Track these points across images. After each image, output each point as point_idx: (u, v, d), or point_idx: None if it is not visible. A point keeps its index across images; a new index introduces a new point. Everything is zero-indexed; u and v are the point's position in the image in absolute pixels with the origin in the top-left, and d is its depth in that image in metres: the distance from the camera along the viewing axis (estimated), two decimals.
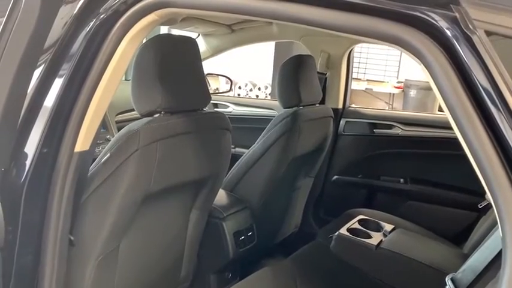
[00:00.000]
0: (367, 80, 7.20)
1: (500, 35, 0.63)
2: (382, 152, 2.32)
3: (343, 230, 1.53)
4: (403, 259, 1.42)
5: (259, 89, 8.28)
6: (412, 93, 8.09)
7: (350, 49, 2.27)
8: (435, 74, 0.70)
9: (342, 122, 2.38)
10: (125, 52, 1.09)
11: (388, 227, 1.58)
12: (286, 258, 1.71)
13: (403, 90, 8.24)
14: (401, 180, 2.29)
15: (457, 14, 0.67)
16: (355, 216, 2.09)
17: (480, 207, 1.90)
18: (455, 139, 2.31)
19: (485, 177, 0.65)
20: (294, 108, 1.94)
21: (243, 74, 7.69)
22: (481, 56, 0.63)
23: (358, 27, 0.79)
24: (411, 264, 1.40)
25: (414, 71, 8.27)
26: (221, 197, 1.86)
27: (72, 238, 1.19)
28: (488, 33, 0.63)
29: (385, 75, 8.18)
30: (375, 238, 1.50)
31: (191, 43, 1.41)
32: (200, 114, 1.45)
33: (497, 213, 0.64)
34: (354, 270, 1.53)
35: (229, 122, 1.54)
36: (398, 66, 8.53)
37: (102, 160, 1.22)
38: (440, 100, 0.72)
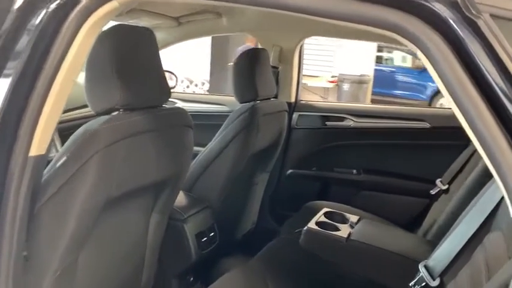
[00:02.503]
0: (303, 75, 7.34)
1: (506, 19, 0.62)
2: (335, 144, 2.34)
3: (311, 224, 1.51)
4: (374, 249, 1.43)
5: (196, 85, 8.16)
6: (346, 86, 8.40)
7: (301, 42, 2.27)
8: (435, 60, 0.69)
9: (295, 115, 2.37)
10: (82, 45, 0.98)
11: (353, 218, 1.59)
12: (253, 258, 1.67)
13: (337, 84, 8.52)
14: (354, 171, 2.33)
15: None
16: (315, 209, 2.09)
17: (432, 193, 1.98)
18: (406, 129, 2.40)
19: (495, 164, 0.64)
20: (251, 103, 1.90)
21: (177, 71, 7.50)
22: (488, 41, 0.62)
23: (349, 14, 0.76)
24: (382, 254, 1.41)
25: (347, 65, 8.57)
26: (180, 197, 1.77)
27: (25, 254, 1.06)
28: (494, 17, 0.62)
29: (319, 70, 8.41)
30: (343, 230, 1.49)
31: (149, 34, 1.31)
32: (161, 110, 1.36)
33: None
34: (325, 264, 1.52)
35: (191, 118, 1.46)
36: (332, 61, 8.80)
37: (58, 164, 1.10)
38: (440, 87, 0.70)
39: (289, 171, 2.44)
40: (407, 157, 2.19)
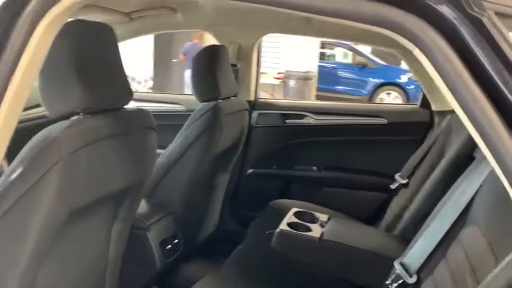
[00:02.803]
0: None
1: (510, 17, 0.62)
2: (296, 142, 2.33)
3: (283, 226, 1.48)
4: (347, 248, 1.42)
5: (138, 82, 7.90)
6: (292, 83, 8.50)
7: (260, 39, 2.23)
8: (436, 59, 0.67)
9: (254, 114, 2.33)
10: (41, 42, 0.88)
11: (322, 217, 1.58)
12: (224, 263, 1.61)
13: (283, 81, 8.60)
14: (315, 168, 2.33)
15: None
16: (279, 209, 2.07)
17: (392, 188, 2.02)
18: (365, 125, 2.43)
19: (500, 162, 0.63)
20: (213, 102, 1.83)
21: None
22: (493, 38, 0.61)
23: (348, 11, 0.72)
24: (356, 253, 1.41)
25: (292, 62, 8.68)
26: (141, 204, 1.67)
27: None
28: (499, 15, 0.61)
29: (265, 66, 8.43)
30: (315, 230, 1.47)
31: (109, 30, 1.21)
32: (123, 113, 1.26)
33: None
34: (297, 266, 1.50)
35: (154, 119, 1.38)
36: (279, 58, 8.87)
37: (13, 176, 0.98)
38: (441, 85, 0.69)
39: (250, 170, 2.39)
40: (367, 153, 2.22)
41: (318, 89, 9.18)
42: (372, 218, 2.20)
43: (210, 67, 1.82)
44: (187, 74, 7.41)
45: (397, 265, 1.27)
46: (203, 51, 1.86)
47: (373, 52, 10.41)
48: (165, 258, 1.65)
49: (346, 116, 2.24)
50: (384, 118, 2.18)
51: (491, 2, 0.62)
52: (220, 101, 1.87)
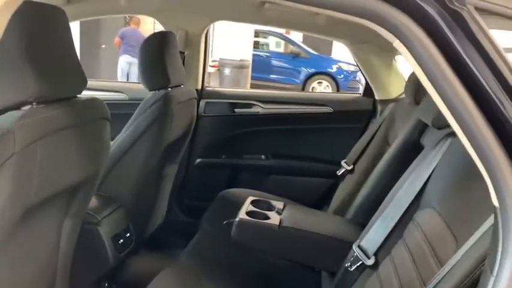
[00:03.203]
0: None
1: (489, 12, 0.66)
2: (244, 131, 2.33)
3: (242, 215, 1.48)
4: (307, 234, 1.45)
5: None
6: (227, 71, 8.45)
7: (208, 27, 2.18)
8: (417, 51, 0.70)
9: (202, 103, 2.29)
10: None
11: (279, 204, 1.60)
12: (181, 255, 1.58)
13: (218, 69, 8.53)
14: (263, 156, 2.35)
15: None
16: (230, 198, 2.07)
17: (338, 174, 2.09)
18: (311, 114, 2.48)
19: (476, 145, 0.67)
20: (164, 91, 1.77)
21: None
22: (473, 32, 0.65)
23: (332, 2, 0.73)
24: (314, 238, 1.45)
25: (226, 50, 8.62)
26: None
27: None
28: (479, 10, 0.65)
29: None
30: (274, 218, 1.49)
31: (60, 13, 1.12)
32: (77, 102, 1.18)
33: (494, 187, 0.67)
34: (257, 254, 1.51)
35: (108, 110, 1.31)
36: (212, 46, 8.75)
37: None
38: (421, 77, 0.72)
39: (198, 160, 2.36)
40: (313, 141, 2.28)
41: (252, 78, 9.22)
42: (319, 203, 2.27)
43: (159, 54, 1.76)
44: (124, 60, 7.10)
45: (355, 248, 1.33)
46: (152, 38, 1.79)
47: (305, 42, 10.66)
48: (118, 253, 1.59)
49: (293, 105, 2.28)
50: (329, 107, 2.24)
51: None
52: (169, 89, 1.82)
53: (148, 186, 1.92)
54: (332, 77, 9.57)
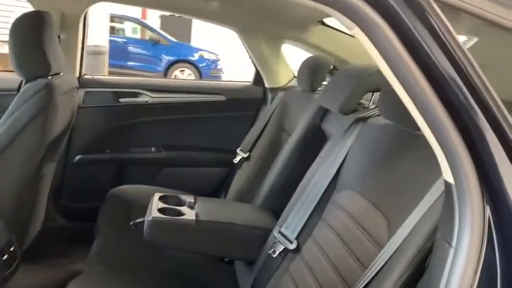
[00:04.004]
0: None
1: (445, 4, 0.70)
2: (131, 122, 2.16)
3: (155, 213, 1.37)
4: (225, 226, 1.41)
5: None
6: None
7: (87, 9, 1.94)
8: (375, 37, 0.72)
9: (81, 92, 2.05)
10: None
11: (189, 199, 1.52)
12: (85, 264, 1.40)
13: None
14: (153, 149, 2.23)
15: None
16: (122, 196, 1.92)
17: (235, 162, 2.10)
18: (203, 103, 2.44)
19: (434, 129, 0.72)
20: (44, 80, 1.53)
21: None
22: (430, 21, 0.69)
23: None
24: (234, 229, 1.41)
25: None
26: None
27: None
28: (435, 1, 0.69)
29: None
30: (188, 213, 1.42)
31: None
32: None
33: (450, 166, 0.72)
34: (171, 252, 1.42)
35: None
36: None
37: None
38: (381, 65, 0.74)
39: (78, 157, 2.12)
40: (207, 130, 2.23)
41: (109, 65, 8.65)
42: (215, 192, 2.25)
43: (36, 38, 1.51)
44: None
45: (276, 234, 1.34)
46: (25, 18, 1.53)
47: (163, 28, 10.39)
48: (3, 272, 1.35)
49: (184, 94, 2.19)
50: (221, 95, 2.21)
51: None
52: (50, 77, 1.58)
53: (27, 190, 1.66)
54: (194, 65, 9.53)
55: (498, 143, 0.70)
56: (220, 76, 9.83)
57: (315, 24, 1.96)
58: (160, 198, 1.50)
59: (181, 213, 1.43)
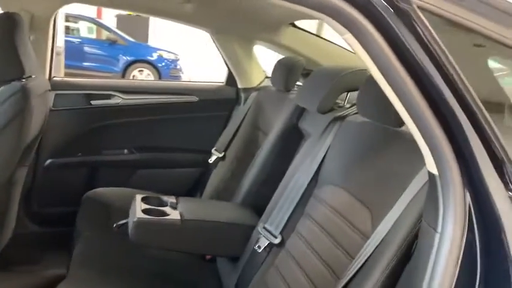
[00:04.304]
0: None
1: (429, 12, 0.77)
2: (103, 124, 2.14)
3: (139, 214, 1.38)
4: (210, 224, 1.44)
5: None
6: None
7: (58, 10, 1.91)
8: (367, 42, 0.78)
9: (51, 95, 2.01)
10: None
11: (171, 199, 1.54)
12: (70, 269, 1.39)
13: None
14: (126, 151, 2.21)
15: None
16: (98, 200, 1.90)
17: (211, 162, 2.12)
18: (176, 104, 2.46)
19: (424, 130, 0.79)
20: (18, 82, 1.51)
21: None
22: (416, 28, 0.75)
23: None
24: (219, 227, 1.44)
25: None
26: None
27: None
28: (421, 9, 0.76)
29: None
30: (172, 213, 1.44)
31: None
32: None
33: (435, 158, 0.79)
34: (151, 253, 1.44)
35: None
36: None
37: None
38: (370, 65, 0.80)
39: (48, 161, 2.08)
40: (181, 131, 2.24)
41: (65, 66, 8.39)
42: (191, 192, 2.26)
43: (9, 39, 1.48)
44: None
45: (261, 230, 1.39)
46: None
47: (119, 28, 10.17)
48: None
49: (156, 95, 2.19)
50: (194, 96, 2.23)
51: None
52: (24, 80, 1.55)
53: (1, 196, 1.63)
54: (153, 65, 9.41)
55: (477, 137, 0.78)
56: (180, 76, 9.75)
57: (287, 26, 2.02)
58: (142, 200, 1.51)
59: (165, 214, 1.44)
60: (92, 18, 9.76)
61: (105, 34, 9.78)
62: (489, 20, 0.80)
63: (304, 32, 2.07)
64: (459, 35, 0.85)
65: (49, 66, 2.00)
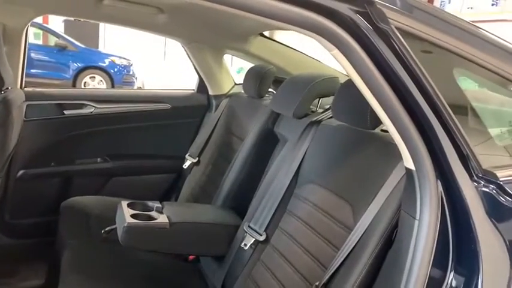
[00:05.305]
0: None
1: (403, 31, 0.90)
2: (76, 134, 2.15)
3: (129, 219, 1.43)
4: (198, 226, 1.51)
5: None
6: None
7: (31, 21, 1.91)
8: (353, 58, 0.90)
9: (23, 106, 2.00)
10: None
11: (156, 204, 1.59)
12: (62, 278, 1.42)
13: None
14: (99, 159, 2.23)
15: (369, 11, 0.88)
16: (77, 208, 1.92)
17: (185, 167, 2.19)
18: (149, 111, 2.52)
19: (402, 132, 0.91)
20: (1, 94, 1.52)
21: None
22: (394, 46, 0.88)
23: (279, 14, 0.85)
24: (206, 228, 1.52)
25: None
26: None
27: None
28: (398, 30, 0.89)
29: None
30: (160, 217, 1.50)
31: None
32: None
33: (411, 155, 0.92)
34: (144, 257, 1.49)
35: None
36: None
37: None
38: (355, 78, 0.92)
39: (21, 172, 2.07)
40: (152, 138, 2.29)
41: None
42: (165, 197, 2.31)
43: None
44: None
45: (246, 228, 1.48)
46: None
47: (67, 33, 9.89)
48: None
49: (129, 103, 2.23)
50: (167, 103, 2.29)
51: (393, 19, 0.89)
52: (3, 92, 1.56)
53: None
54: (105, 71, 9.23)
55: (446, 137, 0.92)
56: (134, 82, 9.63)
57: (255, 36, 2.13)
58: (128, 206, 1.56)
59: (152, 218, 1.50)
60: (39, 24, 9.43)
61: (53, 40, 9.48)
62: (460, 40, 0.95)
63: (272, 41, 2.18)
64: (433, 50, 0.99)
65: (20, 77, 1.99)
